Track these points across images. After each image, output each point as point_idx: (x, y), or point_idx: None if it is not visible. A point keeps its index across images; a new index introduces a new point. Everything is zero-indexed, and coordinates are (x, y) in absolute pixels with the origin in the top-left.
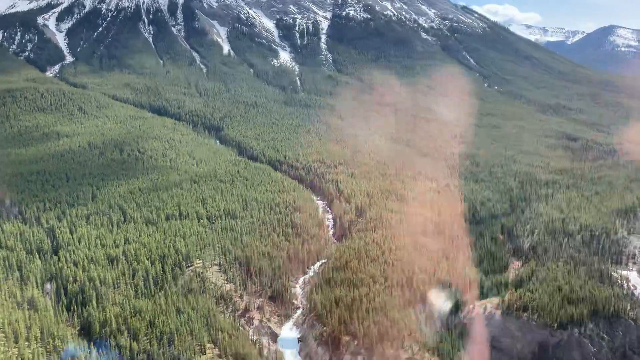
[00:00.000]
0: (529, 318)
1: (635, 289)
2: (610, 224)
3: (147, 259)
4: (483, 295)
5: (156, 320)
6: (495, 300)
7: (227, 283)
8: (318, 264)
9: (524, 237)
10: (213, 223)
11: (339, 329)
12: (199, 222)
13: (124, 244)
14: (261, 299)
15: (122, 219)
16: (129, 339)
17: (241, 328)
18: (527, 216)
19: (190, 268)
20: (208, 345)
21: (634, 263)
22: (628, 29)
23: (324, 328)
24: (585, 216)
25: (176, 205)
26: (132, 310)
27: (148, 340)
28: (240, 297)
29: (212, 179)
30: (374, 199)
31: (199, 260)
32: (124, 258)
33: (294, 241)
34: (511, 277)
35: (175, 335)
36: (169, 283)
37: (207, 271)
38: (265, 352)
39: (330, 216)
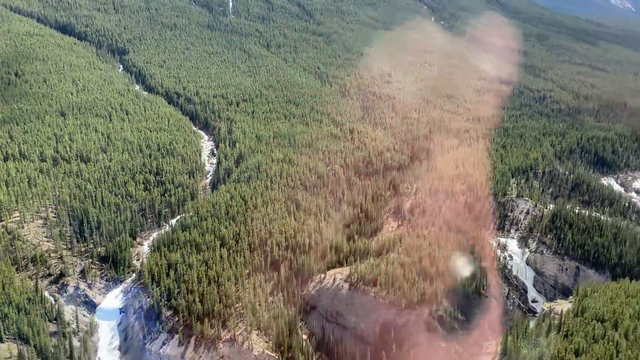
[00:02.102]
0: (377, 294)
1: (512, 259)
2: (502, 185)
3: None
4: (340, 263)
5: None
6: (346, 270)
7: (47, 241)
8: (174, 220)
9: (409, 195)
10: (55, 167)
11: (163, 300)
12: (40, 164)
13: None
14: (90, 261)
15: None
16: None
17: (51, 297)
18: (421, 171)
19: (1, 223)
20: None
21: (517, 230)
22: None
23: (148, 299)
24: (479, 174)
25: (22, 143)
26: None
27: None
28: (61, 258)
29: (86, 111)
30: (262, 143)
31: (17, 212)
32: None
33: (153, 191)
34: (374, 245)
35: None
36: None
37: (23, 226)
38: (73, 325)
39: (215, 161)
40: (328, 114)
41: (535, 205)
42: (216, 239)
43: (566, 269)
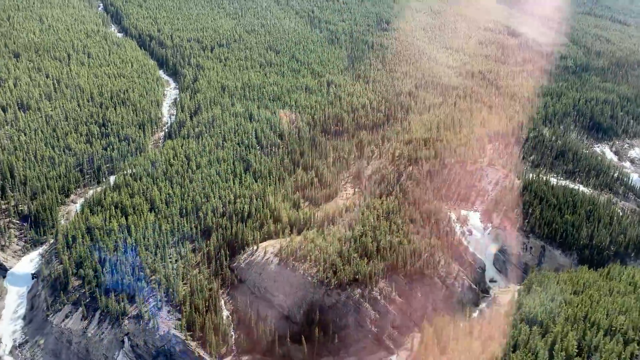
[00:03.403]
0: (306, 272)
1: (471, 234)
2: (475, 151)
3: None
4: (277, 234)
5: None
6: (279, 243)
7: None
8: (112, 177)
9: (373, 159)
10: None
11: (71, 269)
12: None
13: None
14: (8, 220)
15: None
16: None
17: None
18: (393, 132)
19: None
20: None
21: (482, 202)
22: None
23: (60, 265)
24: (452, 138)
25: None
26: None
27: None
28: None
29: (43, 53)
30: (225, 95)
31: None
32: None
33: (95, 144)
34: (320, 214)
35: None
36: None
37: None
38: None
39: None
40: (309, 63)
41: (506, 176)
42: (145, 202)
43: (531, 247)
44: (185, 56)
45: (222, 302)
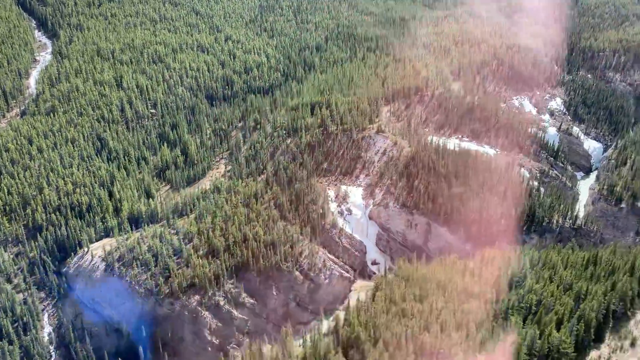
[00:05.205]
0: (133, 279)
1: (350, 213)
2: (367, 116)
3: None
4: (121, 230)
5: None
6: (109, 244)
7: None
8: None
9: (245, 131)
10: None
11: None
12: None
13: None
14: None
15: None
16: None
17: None
18: (284, 96)
19: None
20: None
21: (367, 175)
22: None
23: None
24: (343, 101)
25: None
26: None
27: None
28: None
29: None
30: (98, 60)
31: None
32: None
33: None
34: (177, 200)
35: None
36: None
37: None
38: None
39: None
40: (210, 17)
41: (395, 143)
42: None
43: (416, 224)
44: (66, 14)
45: (46, 316)
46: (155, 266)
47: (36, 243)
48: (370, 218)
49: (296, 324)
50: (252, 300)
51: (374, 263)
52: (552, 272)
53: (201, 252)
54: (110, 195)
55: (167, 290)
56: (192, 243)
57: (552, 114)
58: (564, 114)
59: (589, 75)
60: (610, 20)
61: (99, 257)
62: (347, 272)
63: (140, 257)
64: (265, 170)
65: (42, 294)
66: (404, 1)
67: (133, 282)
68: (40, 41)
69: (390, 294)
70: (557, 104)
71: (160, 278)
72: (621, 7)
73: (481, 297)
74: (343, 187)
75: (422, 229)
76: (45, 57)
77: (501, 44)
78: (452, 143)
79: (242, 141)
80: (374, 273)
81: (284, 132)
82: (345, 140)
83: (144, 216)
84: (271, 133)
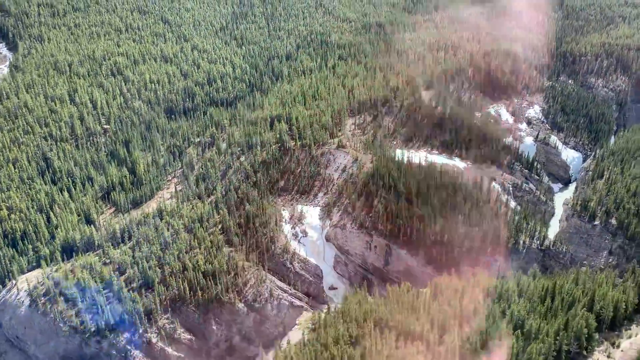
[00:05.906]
0: (58, 316)
1: (305, 235)
2: (328, 129)
3: None
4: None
5: None
6: (38, 276)
7: None
8: None
9: (199, 148)
10: None
11: None
12: None
13: None
14: None
15: None
16: None
17: None
18: (245, 109)
19: None
20: None
21: (326, 194)
22: None
23: None
24: (309, 113)
25: None
26: None
27: None
28: None
29: None
30: (54, 74)
31: None
32: None
33: None
34: (117, 226)
35: None
36: None
37: None
38: None
39: None
40: (179, 25)
41: (356, 160)
42: None
43: (375, 246)
44: (28, 25)
45: None
46: (82, 302)
47: None
48: (328, 240)
49: (243, 358)
50: (189, 336)
51: (332, 288)
52: (506, 305)
53: (135, 284)
54: (49, 220)
55: (94, 329)
56: (125, 274)
57: (529, 122)
58: (542, 122)
59: (570, 81)
60: (595, 22)
61: (25, 291)
62: (300, 299)
63: (67, 291)
64: (214, 191)
65: None
66: (383, 6)
67: (57, 320)
68: (1, 53)
69: (326, 336)
70: (535, 112)
71: (86, 315)
72: (607, 9)
73: (423, 339)
74: (299, 207)
75: (381, 251)
76: (3, 70)
77: (479, 49)
78: (419, 157)
79: (195, 159)
80: (331, 299)
81: (238, 149)
82: (304, 157)
83: (78, 244)
84: (225, 150)
